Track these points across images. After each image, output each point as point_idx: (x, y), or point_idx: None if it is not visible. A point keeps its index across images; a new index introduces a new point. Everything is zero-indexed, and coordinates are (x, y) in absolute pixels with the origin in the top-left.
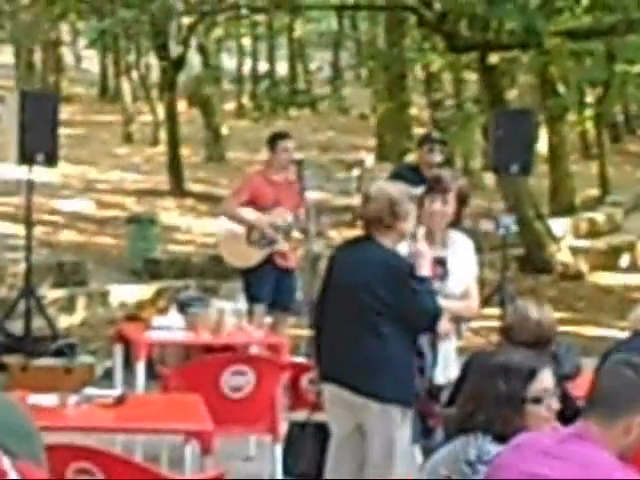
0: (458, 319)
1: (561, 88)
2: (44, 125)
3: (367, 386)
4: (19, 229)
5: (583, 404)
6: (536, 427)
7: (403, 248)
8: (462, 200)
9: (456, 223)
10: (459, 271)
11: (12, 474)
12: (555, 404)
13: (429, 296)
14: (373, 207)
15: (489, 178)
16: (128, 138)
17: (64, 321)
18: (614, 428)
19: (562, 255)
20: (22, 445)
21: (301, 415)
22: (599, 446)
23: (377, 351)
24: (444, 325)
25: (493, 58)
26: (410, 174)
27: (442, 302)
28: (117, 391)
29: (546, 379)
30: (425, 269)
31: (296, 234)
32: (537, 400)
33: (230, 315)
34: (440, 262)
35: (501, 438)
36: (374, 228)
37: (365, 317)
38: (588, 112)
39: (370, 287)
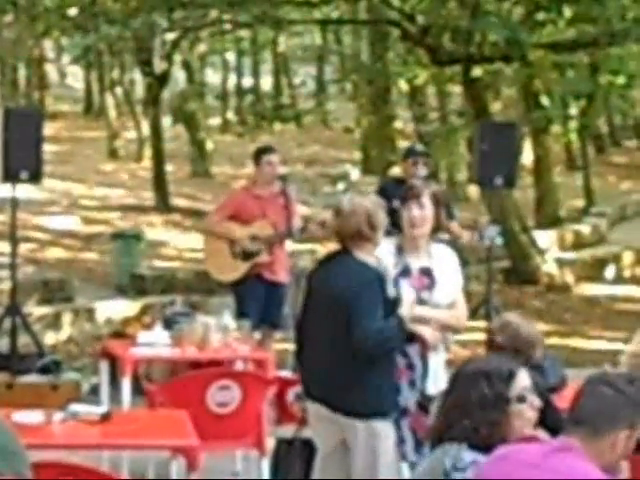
0: (445, 330)
1: (545, 100)
2: (28, 142)
3: (347, 405)
4: (4, 246)
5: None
6: (521, 427)
7: (388, 258)
8: (437, 202)
9: (438, 228)
10: (446, 282)
11: None
12: (537, 401)
13: (383, 327)
14: (353, 221)
15: (474, 191)
16: (113, 154)
17: (50, 338)
18: (600, 445)
19: (548, 267)
20: (8, 463)
21: (288, 431)
22: (585, 458)
23: (357, 367)
24: (433, 336)
25: (477, 71)
26: (395, 188)
27: (431, 312)
28: (103, 407)
29: (524, 378)
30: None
31: (287, 247)
32: (521, 398)
33: (216, 330)
34: (426, 272)
35: (479, 447)
36: (351, 241)
37: (341, 332)
38: (572, 124)
39: (345, 301)
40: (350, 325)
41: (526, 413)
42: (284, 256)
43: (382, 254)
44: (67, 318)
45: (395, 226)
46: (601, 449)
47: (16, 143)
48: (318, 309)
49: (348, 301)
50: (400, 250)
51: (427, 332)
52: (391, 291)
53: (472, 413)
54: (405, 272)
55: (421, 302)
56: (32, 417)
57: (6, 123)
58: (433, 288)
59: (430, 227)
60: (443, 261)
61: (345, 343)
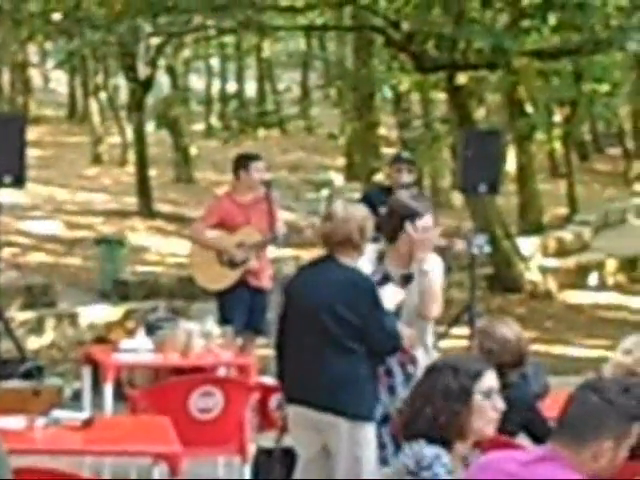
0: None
1: (529, 107)
2: (12, 147)
3: (334, 403)
4: None
5: (552, 424)
6: (482, 426)
7: (365, 266)
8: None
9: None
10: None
11: None
12: (500, 404)
13: (394, 322)
14: (345, 228)
15: (458, 197)
16: (97, 159)
17: (33, 343)
18: (583, 453)
19: (531, 274)
20: None
21: (270, 437)
22: (568, 468)
23: (342, 369)
24: (406, 332)
25: (461, 78)
26: (379, 195)
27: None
28: (85, 413)
29: (492, 379)
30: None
31: (269, 254)
32: (486, 394)
33: (198, 337)
34: (406, 279)
35: (437, 440)
36: (340, 248)
37: (328, 337)
38: (556, 131)
39: (333, 308)
40: (372, 329)
41: (488, 412)
42: (267, 262)
43: (360, 261)
44: (50, 323)
45: (379, 230)
46: (583, 458)
47: None
48: (304, 316)
49: (354, 310)
50: (381, 258)
51: (406, 332)
52: None
53: (434, 401)
54: (385, 280)
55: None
56: (14, 422)
57: None
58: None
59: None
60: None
61: (338, 347)
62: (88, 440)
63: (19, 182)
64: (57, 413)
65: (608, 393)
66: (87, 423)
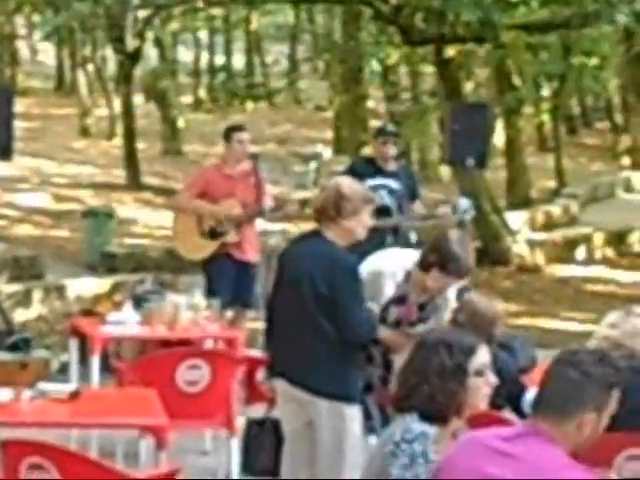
0: None
1: (517, 81)
2: None
3: (312, 383)
4: None
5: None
6: (476, 403)
7: (390, 289)
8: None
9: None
10: (442, 314)
11: None
12: (493, 379)
13: (369, 313)
14: (322, 196)
15: (446, 171)
16: (84, 131)
17: (20, 315)
18: (565, 427)
19: (518, 247)
20: None
21: (258, 410)
22: (551, 443)
23: (319, 347)
24: (392, 336)
25: (449, 51)
26: (364, 168)
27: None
28: (72, 386)
29: (484, 354)
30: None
31: (258, 227)
32: (479, 373)
33: (186, 309)
34: (421, 307)
35: (432, 417)
36: (320, 220)
37: (307, 312)
38: (544, 105)
39: (312, 281)
40: (340, 312)
41: (482, 389)
42: (254, 235)
43: (397, 265)
44: (37, 295)
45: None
46: (567, 432)
47: None
48: (288, 288)
49: (331, 286)
50: (407, 277)
51: (393, 336)
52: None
53: (430, 380)
54: (401, 300)
55: (398, 328)
56: (0, 395)
57: None
58: (418, 324)
59: None
60: (445, 295)
61: (314, 323)
62: (75, 412)
63: (6, 154)
64: (44, 385)
65: (584, 365)
66: (74, 395)
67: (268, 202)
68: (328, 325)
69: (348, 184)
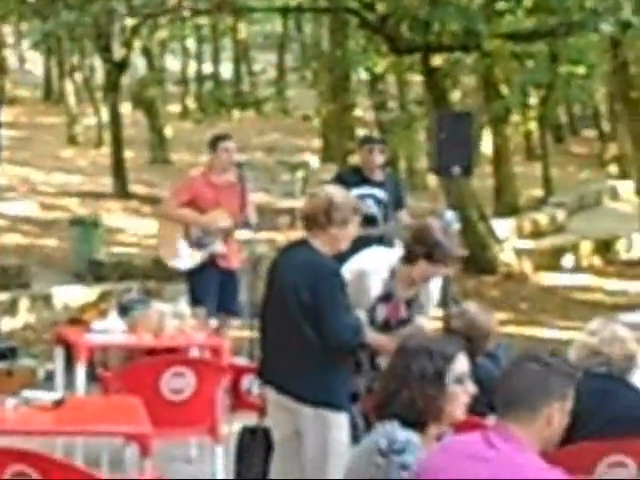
0: None
1: (504, 90)
2: None
3: (298, 391)
4: None
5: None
6: (454, 410)
7: (376, 288)
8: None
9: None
10: (421, 314)
11: None
12: (472, 388)
13: (353, 319)
14: (312, 203)
15: (433, 179)
16: (72, 140)
17: (7, 324)
18: (536, 422)
19: (505, 256)
20: None
21: (244, 419)
22: (523, 446)
23: (305, 355)
24: (381, 340)
25: (436, 60)
26: (351, 176)
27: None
28: (57, 394)
29: (464, 363)
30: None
31: (240, 235)
32: (459, 380)
33: (171, 317)
34: (407, 303)
35: (412, 424)
36: (309, 228)
37: (292, 320)
38: (532, 113)
39: (296, 290)
40: (322, 319)
41: (461, 397)
42: (235, 243)
43: (381, 262)
44: (24, 304)
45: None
46: (538, 427)
47: None
48: (275, 297)
49: (314, 294)
50: (393, 274)
51: (382, 340)
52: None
53: (410, 385)
54: (387, 297)
55: (387, 328)
56: None
57: None
58: (406, 324)
59: None
60: (428, 291)
61: (298, 331)
62: (59, 420)
63: None
64: (28, 393)
65: (544, 358)
66: (58, 403)
67: (252, 213)
68: (312, 333)
69: (340, 193)
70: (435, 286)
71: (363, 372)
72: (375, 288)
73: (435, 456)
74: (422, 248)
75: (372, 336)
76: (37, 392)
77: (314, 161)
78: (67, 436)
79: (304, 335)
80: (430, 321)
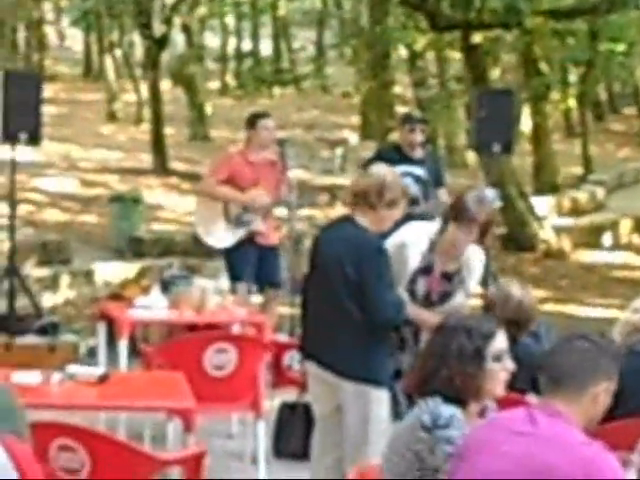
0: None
1: (544, 67)
2: (27, 104)
3: (339, 366)
4: (3, 208)
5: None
6: (493, 387)
7: (415, 259)
8: (485, 230)
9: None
10: (462, 291)
11: None
12: (511, 365)
13: (395, 295)
14: (365, 181)
15: (472, 156)
16: (112, 117)
17: (48, 300)
18: (582, 400)
19: (545, 233)
20: (6, 422)
21: (285, 394)
22: (567, 423)
23: (347, 330)
24: (424, 315)
25: (476, 37)
26: (391, 154)
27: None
28: (100, 369)
29: (502, 340)
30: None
31: (280, 213)
32: (497, 358)
33: (213, 293)
34: (448, 277)
35: (453, 400)
36: (357, 204)
37: (335, 295)
38: (571, 91)
39: (341, 265)
40: (366, 296)
41: (500, 374)
42: (273, 221)
43: (420, 235)
44: (65, 280)
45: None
46: (584, 406)
47: (15, 105)
48: (319, 273)
49: (358, 270)
50: (432, 247)
51: (424, 315)
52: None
53: (449, 363)
54: (426, 270)
55: (428, 301)
56: (30, 378)
57: (6, 85)
58: (447, 297)
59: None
60: (469, 267)
61: (342, 306)
62: (103, 395)
63: (35, 140)
64: (73, 368)
65: (592, 337)
66: (102, 379)
67: (286, 193)
68: (356, 309)
69: (391, 174)
70: (478, 261)
71: (407, 348)
72: (414, 259)
73: (480, 431)
74: (452, 212)
75: (414, 311)
76: (81, 367)
77: (353, 138)
78: (112, 411)
79: (346, 310)
80: (470, 297)
